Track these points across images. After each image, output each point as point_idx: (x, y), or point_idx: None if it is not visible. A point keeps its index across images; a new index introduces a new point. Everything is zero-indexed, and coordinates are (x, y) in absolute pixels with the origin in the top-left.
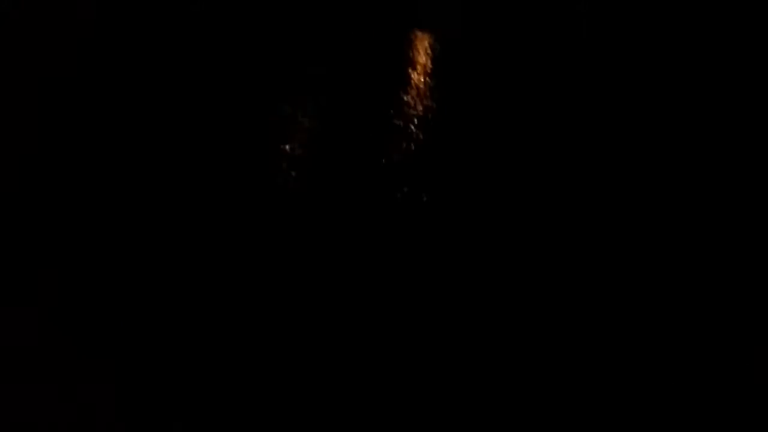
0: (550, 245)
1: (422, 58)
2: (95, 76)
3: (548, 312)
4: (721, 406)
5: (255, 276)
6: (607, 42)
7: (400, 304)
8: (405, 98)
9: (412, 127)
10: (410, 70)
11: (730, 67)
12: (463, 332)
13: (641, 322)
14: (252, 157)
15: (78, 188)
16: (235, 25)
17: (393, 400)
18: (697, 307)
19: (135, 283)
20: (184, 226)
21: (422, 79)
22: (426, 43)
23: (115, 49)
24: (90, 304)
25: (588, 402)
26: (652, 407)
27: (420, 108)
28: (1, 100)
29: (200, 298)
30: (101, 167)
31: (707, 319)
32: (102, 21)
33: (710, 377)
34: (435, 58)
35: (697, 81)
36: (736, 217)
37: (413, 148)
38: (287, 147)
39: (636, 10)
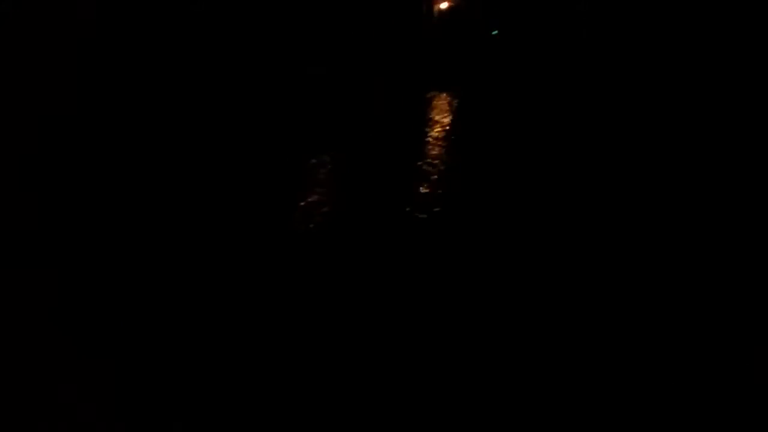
0: (556, 259)
1: (440, 114)
2: (96, 76)
3: (551, 314)
4: (721, 406)
5: (258, 281)
6: (607, 42)
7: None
8: (425, 150)
9: (433, 175)
10: (429, 126)
11: (731, 67)
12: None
13: (641, 322)
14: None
15: (79, 189)
16: (239, 39)
17: (393, 401)
18: (697, 307)
19: (137, 285)
20: (186, 227)
21: (440, 134)
22: (444, 102)
23: (116, 49)
24: (91, 304)
25: (588, 402)
26: (652, 407)
27: (439, 157)
28: (1, 99)
29: (201, 300)
30: (102, 168)
31: (707, 319)
32: (102, 21)
33: (710, 377)
34: (452, 114)
35: (697, 81)
36: (736, 217)
37: (433, 194)
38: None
39: (636, 10)
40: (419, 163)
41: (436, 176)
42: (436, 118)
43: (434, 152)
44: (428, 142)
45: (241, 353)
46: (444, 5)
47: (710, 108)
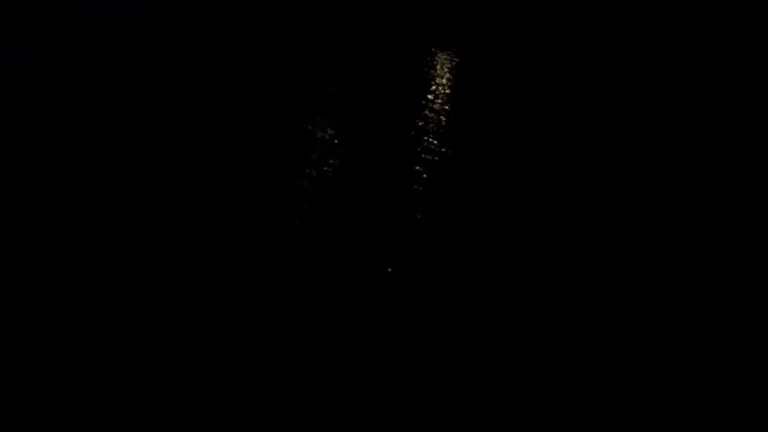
0: (553, 245)
1: (442, 71)
2: (95, 76)
3: (553, 314)
4: (721, 406)
5: (264, 274)
6: (607, 42)
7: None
8: (427, 103)
9: (434, 129)
10: (431, 81)
11: (730, 66)
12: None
13: (639, 321)
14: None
15: (80, 186)
16: (248, 29)
17: (391, 400)
18: (696, 307)
19: (136, 282)
20: (197, 226)
21: (442, 88)
22: (444, 59)
23: (117, 49)
24: (89, 303)
25: (587, 402)
26: (651, 407)
27: (440, 111)
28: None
29: (200, 297)
30: (101, 166)
31: (706, 318)
32: (103, 20)
33: (710, 377)
34: (452, 71)
35: (696, 81)
36: (735, 217)
37: (433, 148)
38: (308, 154)
39: (636, 10)
40: (418, 119)
41: (435, 135)
42: (437, 75)
43: (434, 109)
44: (428, 99)
45: (239, 352)
46: None
47: (710, 107)
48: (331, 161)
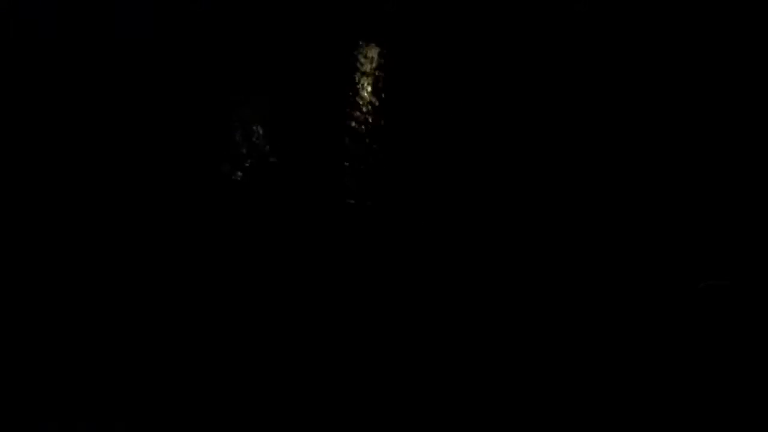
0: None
1: (369, 65)
2: (92, 73)
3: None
4: (721, 407)
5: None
6: (607, 42)
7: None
8: (353, 101)
9: (362, 126)
10: (358, 76)
11: (730, 67)
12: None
13: (637, 321)
14: (206, 162)
15: (74, 184)
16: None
17: (387, 400)
18: (695, 306)
19: (121, 283)
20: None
21: (369, 85)
22: (372, 53)
23: (113, 48)
24: (86, 304)
25: (586, 402)
26: (650, 408)
27: (368, 109)
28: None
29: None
30: (93, 163)
31: (705, 318)
32: (100, 19)
33: (710, 377)
34: (380, 65)
35: (696, 81)
36: (734, 218)
37: (363, 145)
38: (241, 146)
39: (635, 10)
40: (345, 115)
41: (363, 128)
42: (365, 69)
43: (362, 105)
44: (356, 94)
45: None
46: None
47: (710, 108)
48: (254, 164)
